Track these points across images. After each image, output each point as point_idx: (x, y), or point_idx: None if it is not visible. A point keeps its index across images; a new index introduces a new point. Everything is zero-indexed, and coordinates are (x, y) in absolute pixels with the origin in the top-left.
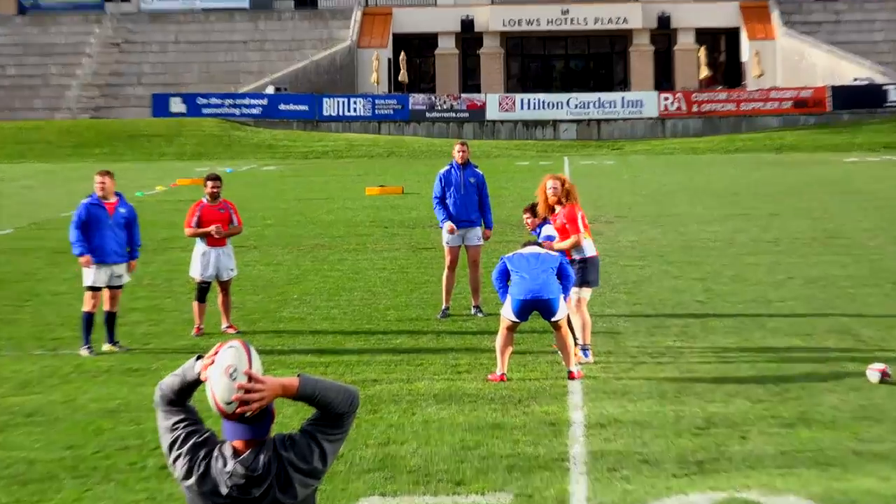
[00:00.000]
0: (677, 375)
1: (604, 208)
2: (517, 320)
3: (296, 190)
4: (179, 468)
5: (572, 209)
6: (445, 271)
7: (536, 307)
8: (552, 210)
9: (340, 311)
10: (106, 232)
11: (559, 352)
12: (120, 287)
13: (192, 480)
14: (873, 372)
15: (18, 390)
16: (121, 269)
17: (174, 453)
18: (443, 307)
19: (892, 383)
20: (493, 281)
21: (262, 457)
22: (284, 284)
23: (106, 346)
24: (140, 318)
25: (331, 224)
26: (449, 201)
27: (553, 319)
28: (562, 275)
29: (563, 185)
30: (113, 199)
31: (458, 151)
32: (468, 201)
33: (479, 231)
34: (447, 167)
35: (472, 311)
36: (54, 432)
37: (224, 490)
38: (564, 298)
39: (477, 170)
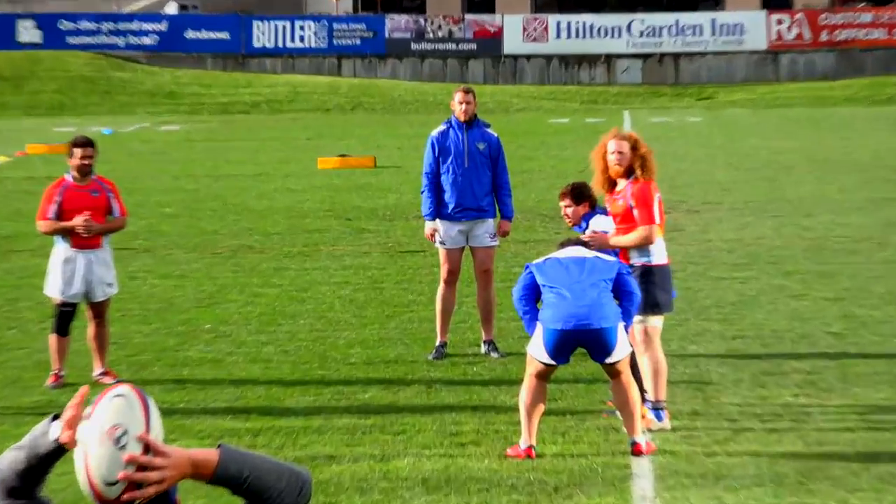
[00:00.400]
0: (802, 450)
1: (685, 190)
2: (552, 363)
3: (211, 162)
4: None
5: (647, 187)
6: (441, 287)
7: (582, 342)
8: (613, 186)
9: (278, 348)
10: None
11: (618, 412)
12: None
13: None
14: None
15: None
16: None
17: None
18: (437, 342)
19: None
20: (516, 302)
21: None
22: (192, 308)
23: None
24: None
25: (264, 214)
26: (446, 179)
27: (609, 361)
28: (621, 290)
29: (633, 147)
30: None
31: (461, 103)
32: (475, 179)
33: (491, 225)
34: (443, 127)
35: (483, 348)
36: None
37: None
38: (626, 329)
39: (489, 131)
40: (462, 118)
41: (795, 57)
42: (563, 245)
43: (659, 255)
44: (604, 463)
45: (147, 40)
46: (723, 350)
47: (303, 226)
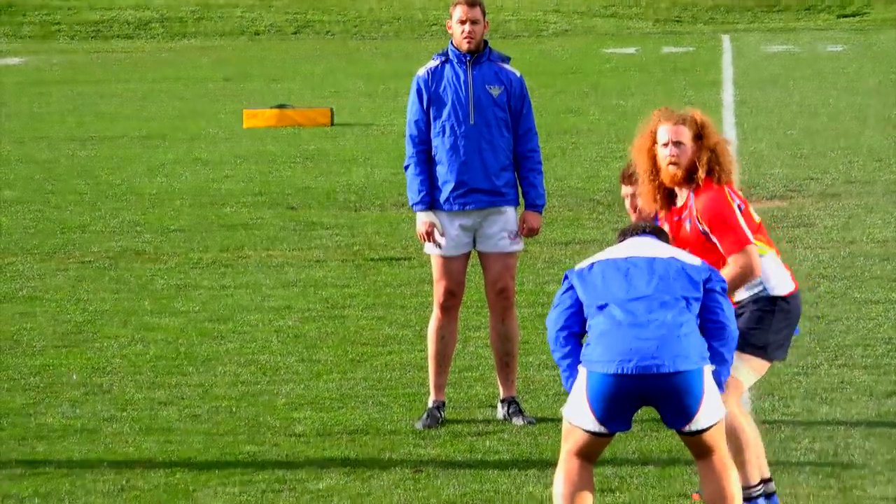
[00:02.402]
0: None
1: (816, 163)
2: (602, 430)
3: (73, 116)
4: None
5: (719, 197)
6: (435, 316)
7: (648, 394)
8: (670, 199)
9: (183, 411)
10: None
11: None
12: None
13: None
14: None
15: None
16: None
17: None
18: (430, 402)
19: None
20: (551, 338)
21: None
22: (49, 348)
23: None
24: None
25: (159, 201)
26: (441, 145)
27: (691, 428)
28: (708, 318)
29: (699, 135)
30: None
31: (463, 22)
32: (486, 144)
33: (511, 218)
34: (435, 62)
35: (500, 411)
36: None
37: None
38: (720, 376)
39: (508, 68)
40: (465, 47)
41: None
42: (624, 234)
43: (778, 281)
44: None
45: None
46: (872, 414)
47: (220, 219)
